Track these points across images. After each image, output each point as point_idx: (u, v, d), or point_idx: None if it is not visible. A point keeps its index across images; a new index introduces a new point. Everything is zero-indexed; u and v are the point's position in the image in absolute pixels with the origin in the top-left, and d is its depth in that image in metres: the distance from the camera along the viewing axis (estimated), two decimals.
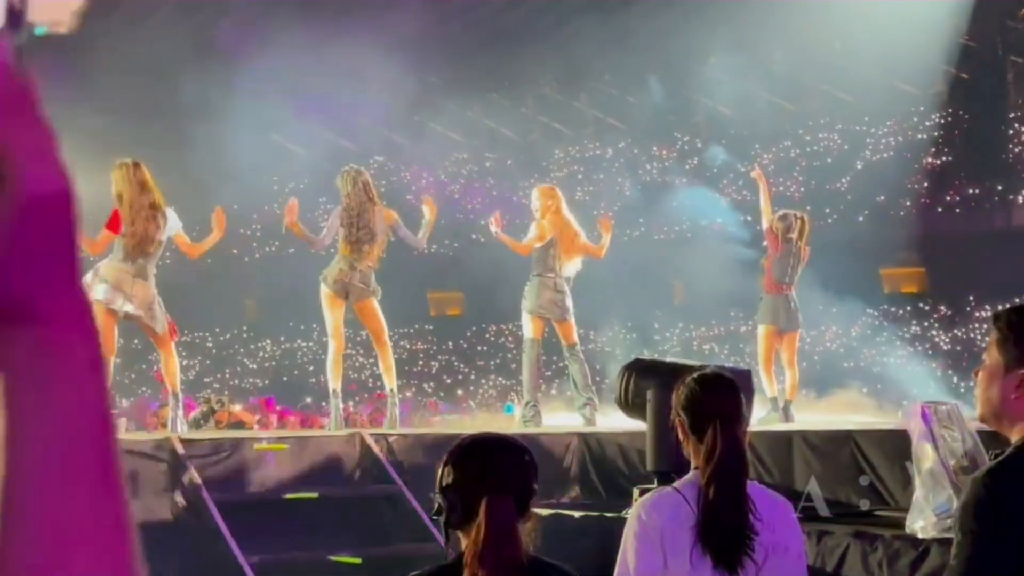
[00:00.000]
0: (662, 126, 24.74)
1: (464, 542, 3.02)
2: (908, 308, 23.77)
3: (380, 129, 26.86)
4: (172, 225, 8.76)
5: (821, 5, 21.18)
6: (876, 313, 21.95)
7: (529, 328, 10.12)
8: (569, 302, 10.13)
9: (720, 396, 3.62)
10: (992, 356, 2.72)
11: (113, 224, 8.54)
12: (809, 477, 6.58)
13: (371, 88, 22.13)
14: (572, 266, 10.16)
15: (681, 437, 3.67)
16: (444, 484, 3.06)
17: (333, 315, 9.44)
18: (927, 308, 23.82)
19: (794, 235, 10.27)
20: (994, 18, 23.30)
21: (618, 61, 25.34)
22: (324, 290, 9.45)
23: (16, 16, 0.77)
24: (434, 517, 3.03)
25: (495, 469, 3.05)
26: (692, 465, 3.60)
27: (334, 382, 9.38)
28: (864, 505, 6.43)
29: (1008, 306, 2.82)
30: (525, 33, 24.43)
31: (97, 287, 8.42)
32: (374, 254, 9.44)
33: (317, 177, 26.50)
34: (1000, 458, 2.65)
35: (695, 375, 3.69)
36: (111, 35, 22.17)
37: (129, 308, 8.49)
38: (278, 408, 18.49)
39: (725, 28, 20.73)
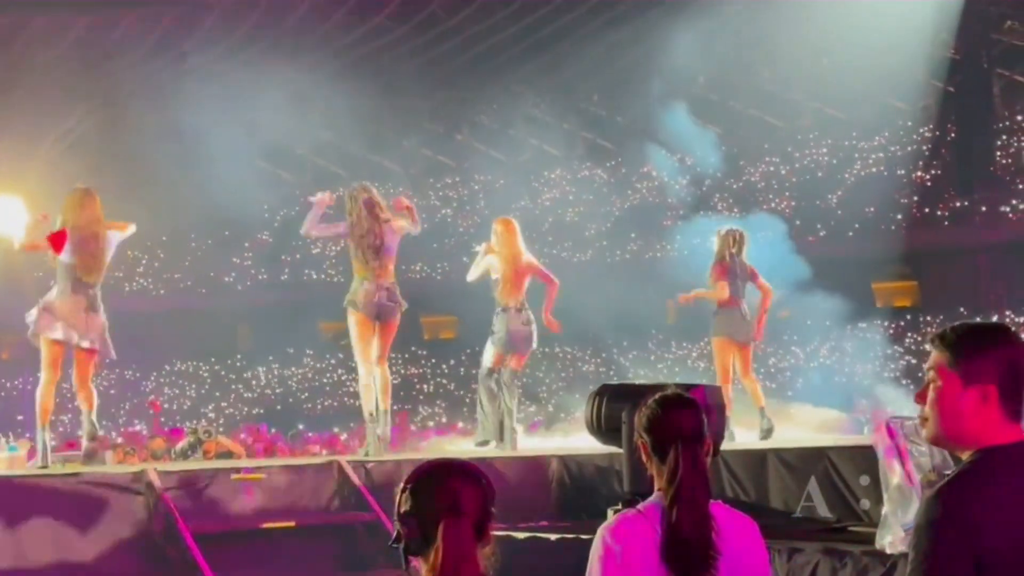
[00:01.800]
0: (651, 146, 24.77)
1: (424, 569, 3.01)
2: (901, 322, 23.78)
3: (369, 154, 26.89)
4: (113, 242, 8.62)
5: (809, 23, 21.25)
6: (868, 327, 21.91)
7: (490, 358, 10.17)
8: (535, 333, 10.10)
9: (681, 416, 3.60)
10: (944, 375, 2.70)
11: (57, 243, 8.38)
12: (783, 494, 6.59)
13: (360, 113, 22.17)
14: (520, 295, 10.11)
15: (644, 459, 3.65)
16: (402, 511, 3.04)
17: (365, 340, 9.18)
18: (919, 321, 23.82)
19: (734, 250, 10.45)
20: (980, 32, 23.38)
21: (607, 82, 25.40)
22: (355, 315, 9.17)
23: None
24: (393, 545, 3.01)
25: (451, 494, 3.02)
26: (656, 486, 3.58)
27: (368, 405, 9.17)
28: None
29: (950, 325, 2.81)
30: (512, 56, 24.48)
31: (55, 326, 8.38)
32: (390, 269, 9.24)
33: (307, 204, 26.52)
34: (950, 476, 2.63)
35: (656, 396, 3.67)
36: (101, 67, 22.24)
37: (85, 344, 8.46)
38: (268, 435, 18.46)
39: (714, 48, 20.79)
